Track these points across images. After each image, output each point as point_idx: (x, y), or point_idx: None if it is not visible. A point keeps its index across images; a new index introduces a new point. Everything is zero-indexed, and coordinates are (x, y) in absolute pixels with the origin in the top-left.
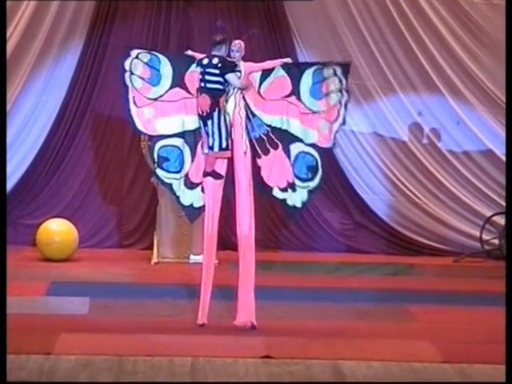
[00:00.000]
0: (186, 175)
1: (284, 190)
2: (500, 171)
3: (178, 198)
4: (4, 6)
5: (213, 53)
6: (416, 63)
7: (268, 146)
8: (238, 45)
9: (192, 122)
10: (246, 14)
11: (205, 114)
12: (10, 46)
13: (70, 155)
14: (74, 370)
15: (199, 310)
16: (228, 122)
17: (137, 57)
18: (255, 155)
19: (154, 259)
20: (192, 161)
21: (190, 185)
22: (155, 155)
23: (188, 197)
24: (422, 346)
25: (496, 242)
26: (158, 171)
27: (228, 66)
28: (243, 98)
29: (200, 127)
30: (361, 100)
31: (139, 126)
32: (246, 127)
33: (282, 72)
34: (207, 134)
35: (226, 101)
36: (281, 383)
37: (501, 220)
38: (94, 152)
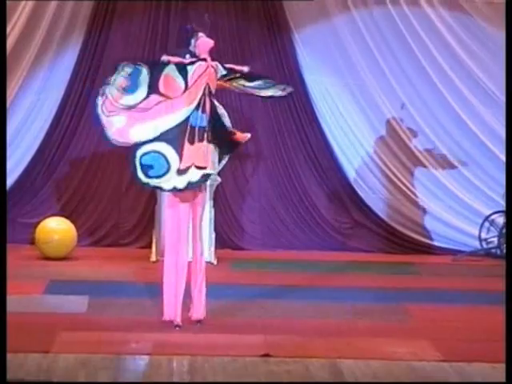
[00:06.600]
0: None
1: None
2: (499, 170)
3: (161, 188)
4: (4, 5)
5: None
6: (415, 62)
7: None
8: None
9: (166, 122)
10: (245, 14)
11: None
12: (7, 45)
13: (68, 153)
14: (73, 369)
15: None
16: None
17: (123, 69)
18: None
19: (153, 258)
20: (180, 156)
21: (179, 173)
22: (137, 164)
23: (173, 181)
24: (420, 345)
25: (495, 240)
26: (144, 178)
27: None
28: None
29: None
30: (360, 99)
31: (110, 134)
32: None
33: None
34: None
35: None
36: (279, 383)
37: (500, 218)
38: (93, 150)
